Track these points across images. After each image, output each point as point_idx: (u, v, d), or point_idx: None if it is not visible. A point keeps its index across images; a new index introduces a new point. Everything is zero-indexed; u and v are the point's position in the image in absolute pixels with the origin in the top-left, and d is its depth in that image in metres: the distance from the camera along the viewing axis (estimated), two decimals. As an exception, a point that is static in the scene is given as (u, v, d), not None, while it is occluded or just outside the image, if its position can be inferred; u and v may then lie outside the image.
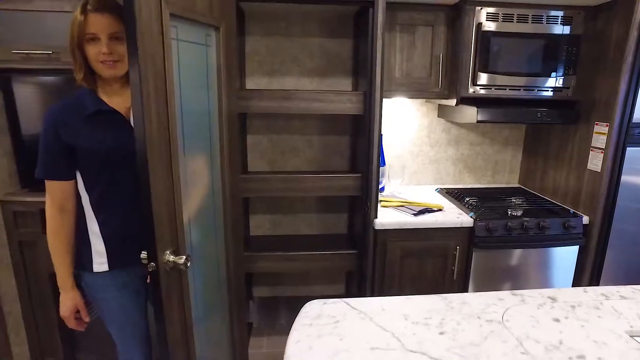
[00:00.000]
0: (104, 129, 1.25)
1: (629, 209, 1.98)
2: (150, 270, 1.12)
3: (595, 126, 1.95)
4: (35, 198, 1.89)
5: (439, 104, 2.40)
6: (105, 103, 1.26)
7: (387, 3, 1.74)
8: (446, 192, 2.37)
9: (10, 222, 1.91)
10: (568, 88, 2.01)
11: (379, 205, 1.97)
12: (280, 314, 2.64)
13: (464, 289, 2.04)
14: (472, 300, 1.16)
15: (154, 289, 1.15)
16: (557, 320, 1.07)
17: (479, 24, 1.88)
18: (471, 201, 2.17)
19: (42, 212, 1.87)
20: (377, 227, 1.92)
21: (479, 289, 2.02)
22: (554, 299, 1.18)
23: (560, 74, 1.99)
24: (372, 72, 1.78)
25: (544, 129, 2.35)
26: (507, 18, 1.90)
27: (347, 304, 1.12)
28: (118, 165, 1.26)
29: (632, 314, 1.11)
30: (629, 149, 1.90)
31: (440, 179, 2.58)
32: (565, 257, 2.04)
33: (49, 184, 1.28)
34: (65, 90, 1.89)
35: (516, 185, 2.60)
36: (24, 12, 1.70)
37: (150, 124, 1.06)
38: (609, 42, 1.89)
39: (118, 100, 1.28)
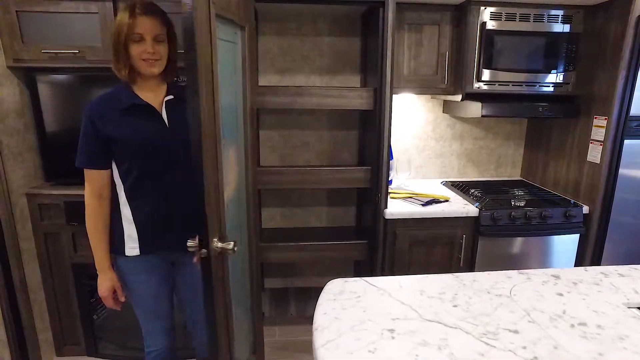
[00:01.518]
0: (138, 121, 1.35)
1: (626, 201, 2.08)
2: (202, 256, 1.15)
3: (595, 120, 2.05)
4: (59, 191, 1.99)
5: (444, 100, 2.49)
6: (140, 97, 1.35)
7: (396, 3, 1.83)
8: (451, 185, 2.47)
9: (36, 215, 2.00)
10: (568, 84, 2.11)
11: (388, 196, 2.06)
12: (291, 305, 2.73)
13: (470, 277, 2.13)
14: (482, 278, 1.25)
15: (204, 275, 1.18)
16: (561, 294, 1.17)
17: (483, 23, 1.98)
18: (476, 193, 2.26)
19: (67, 204, 1.99)
20: (387, 217, 2.01)
21: (484, 276, 2.12)
22: (557, 277, 1.27)
23: (561, 70, 2.08)
24: (382, 69, 1.88)
25: (545, 123, 2.44)
26: (510, 17, 1.99)
27: (367, 281, 1.22)
28: (150, 155, 1.35)
29: (628, 289, 1.20)
30: (626, 142, 1.99)
31: (445, 173, 2.68)
32: (566, 245, 2.14)
33: (88, 173, 1.36)
34: (85, 88, 1.99)
35: (518, 178, 2.70)
36: (52, 13, 1.80)
37: (204, 114, 1.12)
38: (606, 40, 1.98)
39: (151, 96, 1.38)
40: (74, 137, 1.96)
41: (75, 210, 2.00)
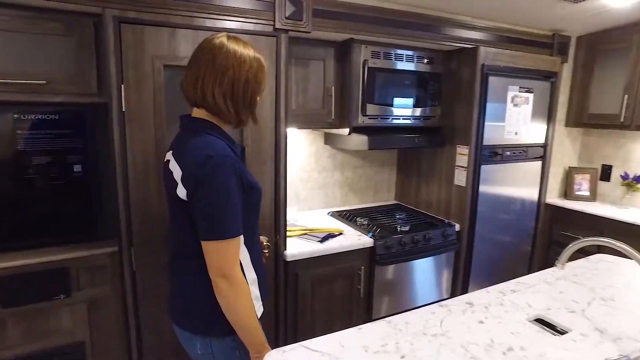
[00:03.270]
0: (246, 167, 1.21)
1: (484, 214, 2.42)
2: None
3: (458, 148, 2.34)
4: None
5: (325, 132, 2.53)
6: None
7: (287, 37, 1.77)
8: (338, 215, 2.50)
9: None
10: (435, 117, 2.37)
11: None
12: None
13: (369, 305, 2.16)
14: (412, 319, 1.25)
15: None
16: (482, 322, 1.23)
17: (365, 60, 2.08)
18: (363, 221, 2.33)
19: None
20: (288, 259, 1.90)
21: (382, 302, 2.18)
22: (470, 304, 1.35)
23: (429, 104, 2.33)
24: (277, 104, 1.79)
25: (415, 150, 2.69)
26: (387, 56, 2.14)
27: (307, 347, 1.08)
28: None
29: (523, 304, 1.35)
30: (482, 167, 2.32)
31: (328, 203, 2.71)
32: (445, 261, 2.36)
33: (235, 242, 1.08)
34: None
35: (394, 201, 2.90)
36: None
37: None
38: (461, 81, 2.30)
39: None
40: None
41: None
